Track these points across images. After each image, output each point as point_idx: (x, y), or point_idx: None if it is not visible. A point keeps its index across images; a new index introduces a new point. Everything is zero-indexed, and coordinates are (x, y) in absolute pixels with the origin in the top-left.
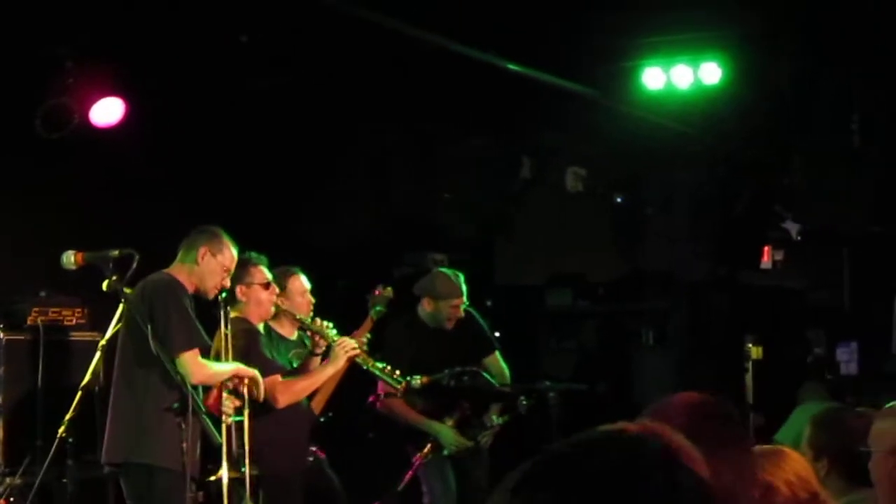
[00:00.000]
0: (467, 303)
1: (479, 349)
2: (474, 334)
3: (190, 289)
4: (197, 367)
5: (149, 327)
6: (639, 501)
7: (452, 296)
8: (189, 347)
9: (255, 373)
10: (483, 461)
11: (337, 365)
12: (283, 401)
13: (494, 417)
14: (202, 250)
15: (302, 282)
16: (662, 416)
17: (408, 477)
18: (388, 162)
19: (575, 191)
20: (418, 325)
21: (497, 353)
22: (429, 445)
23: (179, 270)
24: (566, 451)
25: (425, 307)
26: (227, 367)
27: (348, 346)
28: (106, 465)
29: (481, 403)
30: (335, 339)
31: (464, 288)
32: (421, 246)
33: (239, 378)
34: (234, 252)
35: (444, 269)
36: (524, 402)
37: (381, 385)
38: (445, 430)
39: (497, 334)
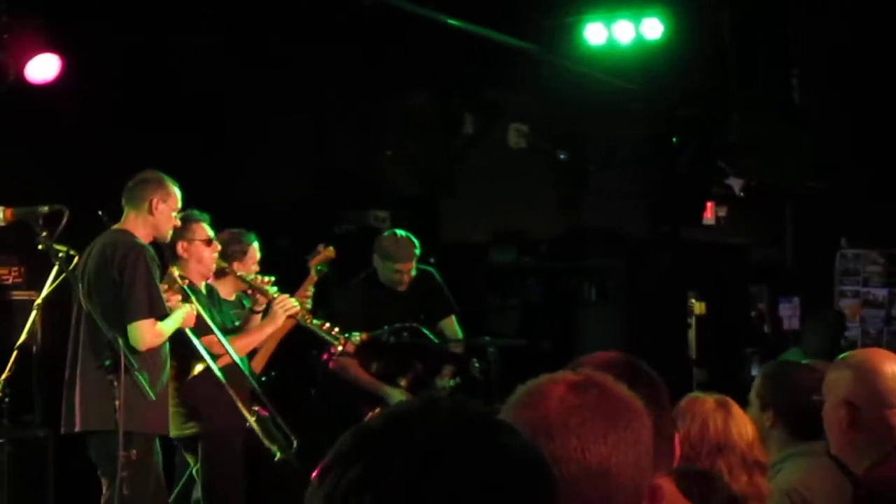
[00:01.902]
0: (416, 268)
1: (436, 310)
2: (432, 296)
3: (147, 239)
4: (151, 335)
5: (118, 288)
6: (451, 472)
7: (394, 259)
8: (147, 316)
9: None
10: None
11: (276, 322)
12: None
13: (449, 380)
14: (154, 200)
15: (257, 249)
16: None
17: None
18: (330, 119)
19: (518, 147)
20: (375, 284)
21: (454, 318)
22: (378, 409)
23: (135, 224)
24: (376, 426)
25: (376, 266)
26: (170, 324)
27: (287, 304)
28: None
29: (433, 365)
30: (275, 296)
31: (412, 253)
32: (363, 203)
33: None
34: (178, 192)
35: (398, 232)
36: (477, 365)
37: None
38: (397, 393)
39: None
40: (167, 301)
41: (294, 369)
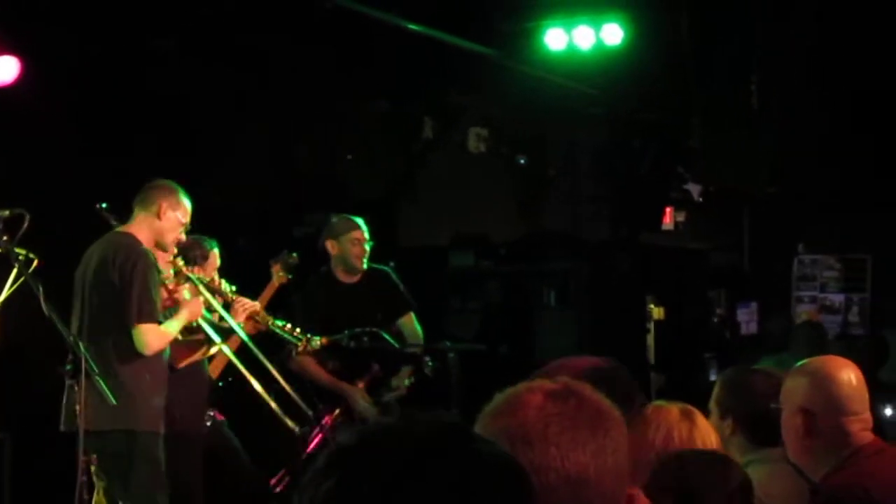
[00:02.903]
0: (371, 242)
1: (393, 309)
2: (389, 293)
3: (149, 244)
4: (155, 337)
5: (119, 289)
6: (423, 481)
7: (351, 229)
8: (150, 320)
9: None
10: None
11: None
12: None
13: (405, 379)
14: (163, 206)
15: (217, 255)
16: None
17: (317, 440)
18: (290, 122)
19: (477, 151)
20: (330, 283)
21: (412, 315)
22: (338, 410)
23: (139, 228)
24: (350, 441)
25: (331, 251)
26: (174, 324)
27: (247, 304)
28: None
29: (391, 366)
30: (232, 297)
31: (363, 226)
32: (322, 206)
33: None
34: (189, 206)
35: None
36: (430, 364)
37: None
38: (357, 394)
39: None
40: (175, 293)
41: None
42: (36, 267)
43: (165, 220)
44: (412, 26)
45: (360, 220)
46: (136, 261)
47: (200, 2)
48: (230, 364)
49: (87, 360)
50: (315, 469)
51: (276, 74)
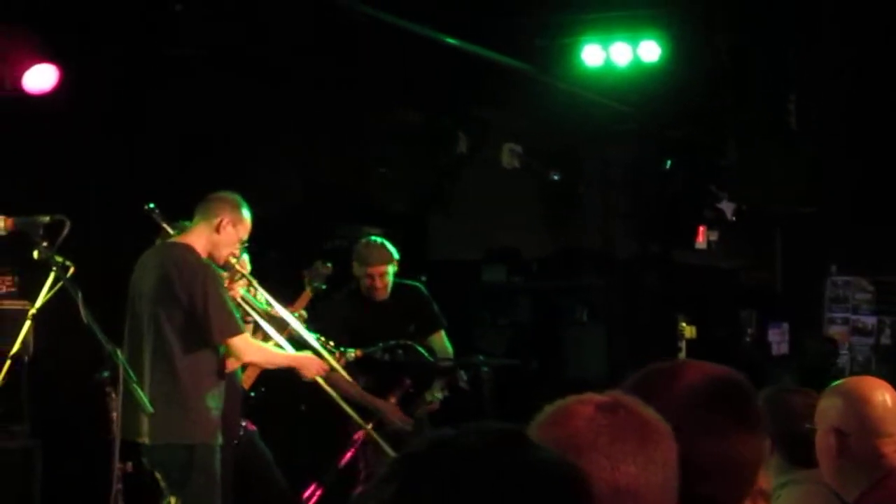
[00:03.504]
0: (392, 272)
1: (423, 326)
2: (419, 310)
3: (203, 254)
4: (246, 346)
5: (188, 307)
6: (483, 487)
7: (364, 262)
8: (237, 331)
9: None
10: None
11: (294, 361)
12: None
13: (437, 394)
14: (224, 220)
15: (247, 262)
16: (659, 388)
17: (349, 455)
18: (323, 135)
19: (510, 167)
20: (358, 297)
21: (443, 332)
22: (370, 424)
23: (197, 238)
24: (415, 449)
25: (355, 273)
26: (284, 357)
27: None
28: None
29: (424, 380)
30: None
31: (385, 258)
32: (354, 219)
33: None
34: (249, 222)
35: (374, 238)
36: (465, 378)
37: None
38: (389, 409)
39: None
40: (230, 291)
41: (283, 385)
42: (73, 273)
43: (224, 234)
44: (448, 40)
45: (389, 251)
46: (203, 278)
47: (233, 15)
48: (262, 374)
49: (124, 369)
50: (379, 477)
51: (309, 86)
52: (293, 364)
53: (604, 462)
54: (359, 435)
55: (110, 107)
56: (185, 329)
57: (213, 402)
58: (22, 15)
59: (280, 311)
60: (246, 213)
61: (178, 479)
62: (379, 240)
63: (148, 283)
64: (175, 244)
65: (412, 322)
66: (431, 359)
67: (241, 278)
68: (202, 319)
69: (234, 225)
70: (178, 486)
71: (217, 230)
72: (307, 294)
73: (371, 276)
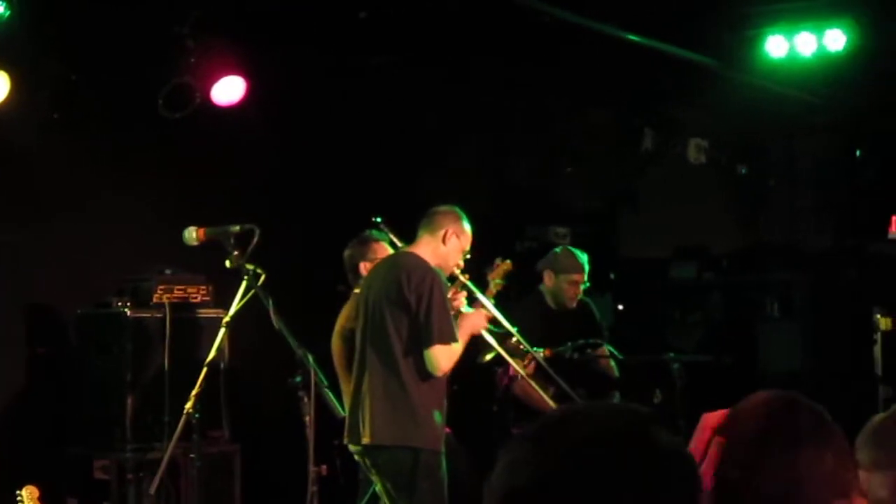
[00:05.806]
0: (588, 283)
1: (594, 337)
2: (590, 324)
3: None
4: (446, 359)
5: (414, 308)
6: (604, 462)
7: (572, 270)
8: (443, 341)
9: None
10: None
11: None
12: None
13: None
14: (448, 231)
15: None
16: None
17: None
18: (509, 135)
19: (697, 162)
20: (542, 306)
21: (604, 346)
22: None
23: (424, 250)
24: (557, 415)
25: (546, 282)
26: (459, 344)
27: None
28: (355, 445)
29: (602, 390)
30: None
31: (586, 267)
32: (543, 220)
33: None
34: (470, 233)
35: (569, 247)
36: (658, 396)
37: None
38: None
39: (620, 307)
40: (453, 300)
41: (474, 383)
42: (264, 281)
43: (450, 245)
44: (632, 37)
45: (584, 259)
46: (431, 283)
47: (420, 19)
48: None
49: (315, 373)
50: (515, 439)
51: (496, 89)
52: (469, 336)
53: (777, 454)
54: None
55: (296, 116)
56: (409, 334)
57: (438, 408)
58: (210, 28)
59: (504, 322)
60: (467, 225)
61: (404, 484)
62: (574, 249)
63: (377, 287)
64: (406, 253)
65: (586, 335)
66: (621, 356)
67: (463, 288)
68: (424, 320)
69: (458, 236)
70: (406, 492)
71: (443, 242)
72: (490, 291)
73: (576, 283)
